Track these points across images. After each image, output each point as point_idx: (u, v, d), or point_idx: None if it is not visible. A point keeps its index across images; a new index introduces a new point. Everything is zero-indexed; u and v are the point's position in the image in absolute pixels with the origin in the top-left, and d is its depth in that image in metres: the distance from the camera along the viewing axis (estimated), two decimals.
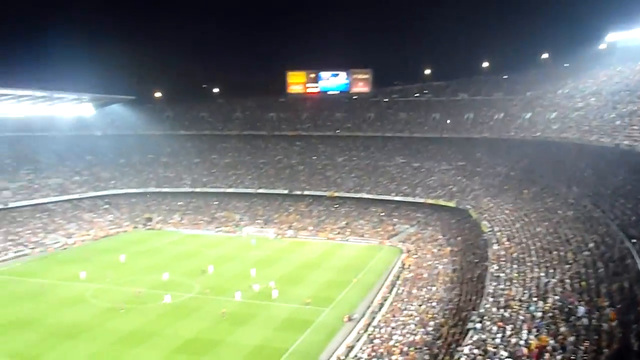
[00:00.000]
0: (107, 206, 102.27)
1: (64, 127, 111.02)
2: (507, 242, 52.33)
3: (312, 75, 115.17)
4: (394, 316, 47.42)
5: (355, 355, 40.89)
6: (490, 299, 37.67)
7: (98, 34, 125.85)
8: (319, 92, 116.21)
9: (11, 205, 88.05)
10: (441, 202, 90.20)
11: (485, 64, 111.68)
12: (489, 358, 28.39)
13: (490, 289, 40.20)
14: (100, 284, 61.91)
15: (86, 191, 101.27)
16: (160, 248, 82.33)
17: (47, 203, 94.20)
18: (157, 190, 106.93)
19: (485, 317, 34.34)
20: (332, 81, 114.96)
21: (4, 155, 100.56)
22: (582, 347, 26.63)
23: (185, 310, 53.14)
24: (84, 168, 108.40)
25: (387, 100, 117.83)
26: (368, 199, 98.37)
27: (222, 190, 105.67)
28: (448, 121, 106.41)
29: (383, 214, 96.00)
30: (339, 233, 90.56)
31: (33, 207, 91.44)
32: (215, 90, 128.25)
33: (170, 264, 71.54)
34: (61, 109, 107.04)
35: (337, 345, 44.32)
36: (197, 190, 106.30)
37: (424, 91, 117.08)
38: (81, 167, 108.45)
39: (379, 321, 47.32)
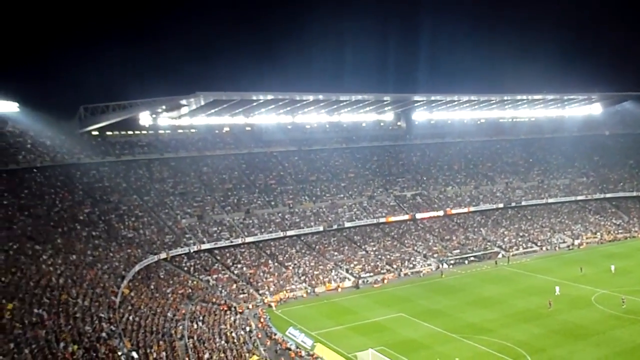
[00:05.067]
0: (614, 209, 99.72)
1: (571, 127, 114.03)
2: None
3: None
4: None
5: None
6: None
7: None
8: None
9: (523, 203, 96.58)
10: None
11: None
12: None
13: None
14: (605, 289, 61.86)
15: (592, 193, 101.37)
16: None
17: (555, 203, 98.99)
18: None
19: None
20: None
21: (518, 156, 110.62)
22: None
23: None
24: (591, 169, 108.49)
25: None
26: None
27: None
28: None
29: None
30: None
31: (542, 206, 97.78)
32: None
33: None
34: (570, 110, 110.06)
35: None
36: None
37: None
38: (588, 168, 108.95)
39: None
